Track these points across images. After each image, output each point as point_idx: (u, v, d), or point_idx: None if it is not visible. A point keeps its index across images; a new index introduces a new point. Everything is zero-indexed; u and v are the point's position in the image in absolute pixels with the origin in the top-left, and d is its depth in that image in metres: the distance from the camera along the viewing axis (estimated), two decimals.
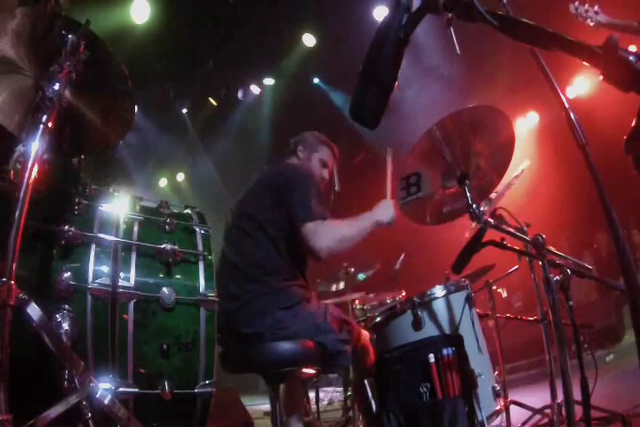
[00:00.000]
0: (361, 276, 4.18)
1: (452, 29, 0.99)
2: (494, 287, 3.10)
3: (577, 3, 2.93)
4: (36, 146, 1.40)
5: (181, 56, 7.04)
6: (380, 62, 1.04)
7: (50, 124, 1.44)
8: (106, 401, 1.39)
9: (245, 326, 2.07)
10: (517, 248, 2.05)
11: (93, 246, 1.69)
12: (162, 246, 1.81)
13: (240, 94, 8.02)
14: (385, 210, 2.30)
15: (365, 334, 2.33)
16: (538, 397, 2.87)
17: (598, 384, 1.92)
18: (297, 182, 2.25)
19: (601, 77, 0.80)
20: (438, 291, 2.32)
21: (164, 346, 1.71)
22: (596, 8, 2.88)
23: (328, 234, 2.08)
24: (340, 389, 4.73)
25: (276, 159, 2.66)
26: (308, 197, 2.16)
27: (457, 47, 1.06)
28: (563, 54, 0.82)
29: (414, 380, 2.10)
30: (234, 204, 2.46)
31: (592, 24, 2.88)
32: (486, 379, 2.14)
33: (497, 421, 2.49)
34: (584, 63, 0.81)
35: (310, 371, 2.16)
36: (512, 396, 2.84)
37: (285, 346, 2.02)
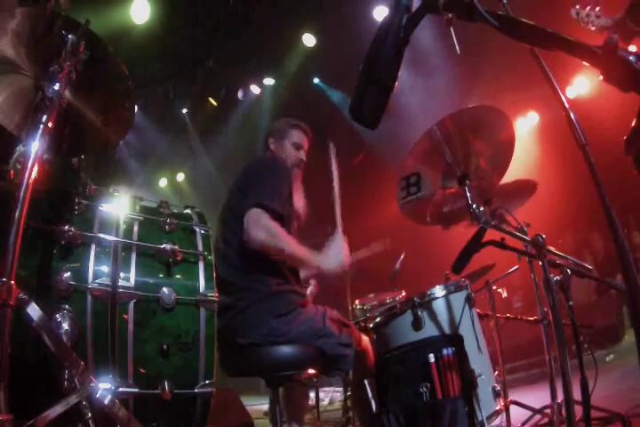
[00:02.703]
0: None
1: (452, 29, 0.99)
2: (494, 287, 3.09)
3: (578, 7, 2.89)
4: (35, 146, 1.40)
5: (181, 56, 7.05)
6: (380, 62, 1.04)
7: (50, 124, 1.45)
8: (106, 401, 1.39)
9: (242, 336, 2.04)
10: (517, 248, 2.05)
11: (93, 246, 1.69)
12: (162, 246, 1.81)
13: (240, 94, 8.01)
14: (333, 256, 2.15)
15: (365, 337, 2.33)
16: (538, 397, 2.87)
17: (598, 384, 1.92)
18: (260, 170, 2.23)
19: (601, 77, 0.80)
20: (438, 291, 2.32)
21: (164, 346, 1.71)
22: (597, 10, 2.85)
23: (268, 231, 2.01)
24: (340, 389, 4.73)
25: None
26: (268, 184, 2.12)
27: (457, 47, 1.07)
28: (563, 54, 0.82)
29: (414, 380, 2.10)
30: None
31: (594, 28, 2.84)
32: (486, 379, 2.14)
33: (497, 421, 2.49)
34: (584, 63, 0.81)
35: (310, 371, 2.17)
36: (512, 396, 2.84)
37: (285, 350, 2.01)
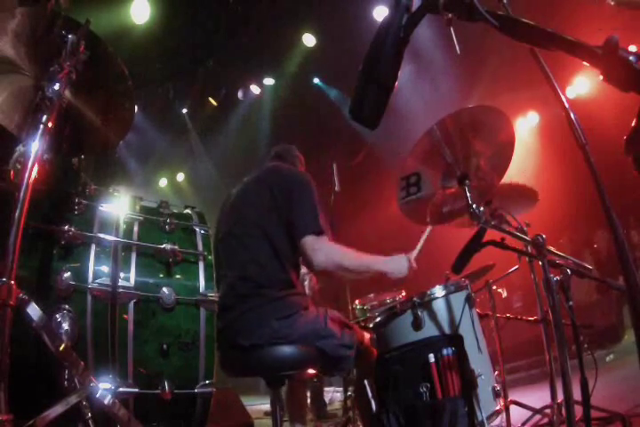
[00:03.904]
0: None
1: (452, 29, 0.99)
2: (494, 287, 3.09)
3: None
4: (35, 146, 1.41)
5: (181, 56, 7.05)
6: (380, 62, 1.04)
7: (50, 124, 1.45)
8: (106, 401, 1.39)
9: (243, 338, 2.01)
10: (517, 248, 2.05)
11: (93, 246, 1.69)
12: (162, 246, 1.81)
13: (240, 94, 8.01)
14: (398, 264, 2.28)
15: (367, 335, 2.32)
16: (538, 397, 2.87)
17: (598, 384, 1.92)
18: (299, 190, 2.21)
19: (601, 77, 0.80)
20: (438, 291, 2.31)
21: (164, 346, 1.71)
22: None
23: (326, 253, 2.07)
24: (340, 389, 4.73)
25: (271, 160, 2.63)
26: (309, 207, 2.14)
27: (457, 47, 1.07)
28: (563, 54, 0.82)
29: (414, 380, 2.10)
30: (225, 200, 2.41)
31: (612, 3, 2.80)
32: (486, 379, 2.13)
33: (497, 421, 2.48)
34: (584, 63, 0.81)
35: (311, 371, 2.17)
36: (512, 396, 2.84)
37: (285, 350, 2.00)
